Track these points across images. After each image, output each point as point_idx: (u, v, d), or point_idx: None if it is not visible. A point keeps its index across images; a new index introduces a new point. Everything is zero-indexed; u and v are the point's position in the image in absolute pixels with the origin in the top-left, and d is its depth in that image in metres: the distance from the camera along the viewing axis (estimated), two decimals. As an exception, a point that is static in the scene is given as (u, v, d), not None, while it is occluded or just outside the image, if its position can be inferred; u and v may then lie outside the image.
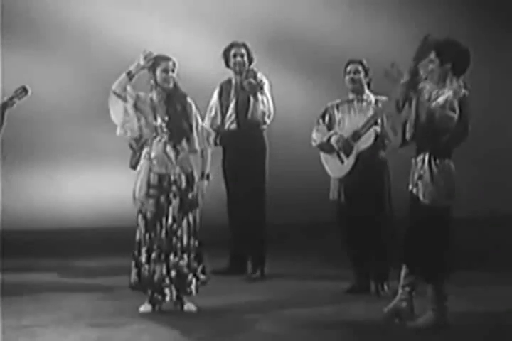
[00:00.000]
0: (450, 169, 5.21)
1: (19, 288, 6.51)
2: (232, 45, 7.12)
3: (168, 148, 5.68)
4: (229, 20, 9.27)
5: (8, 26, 8.49)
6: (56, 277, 7.11)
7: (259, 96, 6.99)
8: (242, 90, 7.04)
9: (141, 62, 5.67)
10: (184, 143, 5.72)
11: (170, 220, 5.65)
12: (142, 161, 5.70)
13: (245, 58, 7.08)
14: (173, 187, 5.67)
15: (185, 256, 5.67)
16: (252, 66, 7.12)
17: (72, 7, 8.82)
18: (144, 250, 5.66)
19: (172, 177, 5.67)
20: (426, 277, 5.27)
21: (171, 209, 5.65)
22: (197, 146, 5.74)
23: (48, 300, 6.12)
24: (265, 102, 7.02)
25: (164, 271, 5.64)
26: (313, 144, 6.46)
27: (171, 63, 5.71)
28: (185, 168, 5.71)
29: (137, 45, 8.30)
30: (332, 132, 6.35)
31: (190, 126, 5.73)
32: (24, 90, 6.78)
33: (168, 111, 5.69)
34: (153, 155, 5.68)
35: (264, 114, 7.02)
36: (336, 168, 6.34)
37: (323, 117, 6.46)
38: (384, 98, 6.12)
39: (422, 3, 9.59)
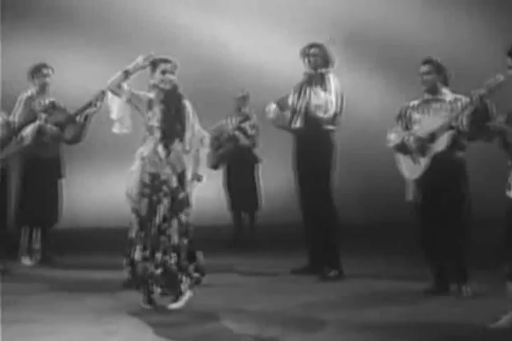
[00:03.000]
0: None
1: (19, 287, 6.62)
2: (308, 46, 7.09)
3: (160, 148, 5.76)
4: (306, 19, 9.30)
5: (10, 20, 8.63)
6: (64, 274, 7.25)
7: (317, 89, 6.94)
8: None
9: (140, 63, 5.80)
10: (177, 143, 5.78)
11: (160, 219, 5.72)
12: (136, 160, 5.80)
13: (319, 59, 7.03)
14: (164, 187, 5.74)
15: (174, 255, 5.71)
16: (329, 68, 7.03)
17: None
18: (138, 248, 5.74)
19: (163, 177, 5.75)
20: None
21: (161, 208, 5.72)
22: (188, 147, 5.80)
23: (49, 299, 6.18)
24: (322, 96, 6.93)
25: (152, 269, 5.71)
26: (389, 145, 6.42)
27: (170, 65, 5.80)
28: (176, 168, 5.77)
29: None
30: (408, 133, 6.29)
31: (184, 127, 5.79)
32: (103, 93, 7.02)
33: (163, 111, 5.79)
34: (145, 154, 5.78)
35: (317, 107, 6.93)
36: (410, 169, 6.29)
37: (399, 118, 6.42)
38: (462, 96, 6.08)
39: (505, 5, 9.45)
